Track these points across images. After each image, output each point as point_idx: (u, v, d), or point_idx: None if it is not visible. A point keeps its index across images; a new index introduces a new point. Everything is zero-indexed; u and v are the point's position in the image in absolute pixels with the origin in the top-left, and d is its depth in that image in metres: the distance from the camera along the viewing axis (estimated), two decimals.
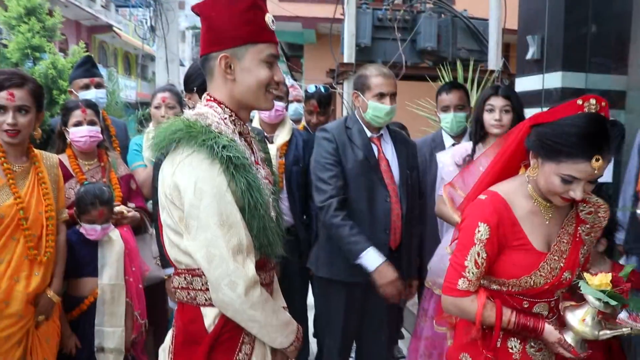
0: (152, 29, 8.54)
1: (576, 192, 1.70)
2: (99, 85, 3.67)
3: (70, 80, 3.75)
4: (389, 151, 3.02)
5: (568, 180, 1.69)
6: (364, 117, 2.98)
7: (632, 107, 3.98)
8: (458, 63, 6.12)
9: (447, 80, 5.75)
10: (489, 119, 2.98)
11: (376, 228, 2.89)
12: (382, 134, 3.03)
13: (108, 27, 22.95)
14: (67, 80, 4.54)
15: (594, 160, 1.63)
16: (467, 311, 1.85)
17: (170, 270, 2.81)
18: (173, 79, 8.67)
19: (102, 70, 4.92)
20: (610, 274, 1.75)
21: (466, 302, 1.84)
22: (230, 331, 1.65)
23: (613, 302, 1.71)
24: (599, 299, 1.72)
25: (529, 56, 4.12)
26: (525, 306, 1.87)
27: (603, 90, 3.94)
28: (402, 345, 4.52)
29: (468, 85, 5.74)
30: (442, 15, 7.78)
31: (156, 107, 3.56)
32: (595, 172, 1.65)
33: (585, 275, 1.78)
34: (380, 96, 2.89)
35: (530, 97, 4.05)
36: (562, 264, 1.83)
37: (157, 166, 2.87)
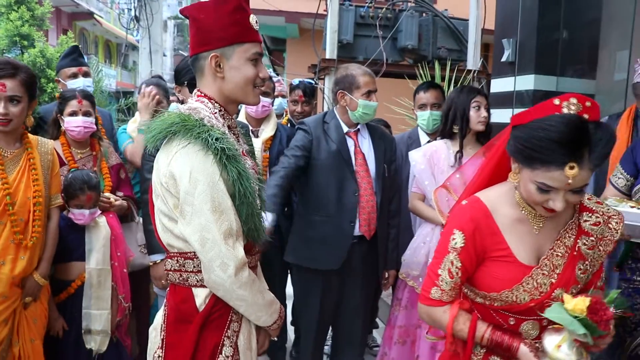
0: (137, 19, 8.55)
1: (555, 203, 1.52)
2: (86, 74, 3.75)
3: (58, 69, 3.80)
4: (365, 145, 3.16)
5: (544, 189, 1.53)
6: (352, 114, 3.12)
7: (600, 110, 4.17)
8: (436, 63, 6.27)
9: (424, 79, 5.90)
10: (476, 116, 3.14)
11: (343, 219, 3.05)
12: (359, 129, 3.17)
13: (89, 15, 22.71)
14: (55, 69, 4.60)
15: (567, 168, 1.44)
16: (438, 321, 1.74)
17: (156, 257, 2.94)
18: (156, 70, 8.70)
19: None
20: (589, 298, 1.51)
21: (438, 312, 1.73)
22: (219, 310, 1.79)
23: (580, 331, 1.50)
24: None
25: (504, 58, 4.28)
26: (512, 323, 1.69)
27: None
28: (377, 334, 4.68)
29: (445, 85, 5.90)
30: (424, 15, 7.91)
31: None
32: (569, 181, 1.46)
33: (565, 295, 1.56)
34: (369, 94, 3.06)
35: (504, 98, 4.21)
36: (553, 280, 1.63)
37: (145, 155, 3.00)
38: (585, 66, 4.28)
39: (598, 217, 1.69)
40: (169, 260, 1.85)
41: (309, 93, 4.25)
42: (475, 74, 6.85)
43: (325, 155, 3.07)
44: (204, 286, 1.77)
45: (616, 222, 1.71)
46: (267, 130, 3.59)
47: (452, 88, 5.96)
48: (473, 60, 7.32)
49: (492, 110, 3.32)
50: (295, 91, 4.28)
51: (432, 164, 3.21)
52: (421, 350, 3.16)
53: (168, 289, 1.91)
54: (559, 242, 1.66)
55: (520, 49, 4.15)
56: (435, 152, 3.22)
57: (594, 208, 1.71)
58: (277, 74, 12.12)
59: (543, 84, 4.07)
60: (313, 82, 4.45)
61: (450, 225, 1.71)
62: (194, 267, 1.78)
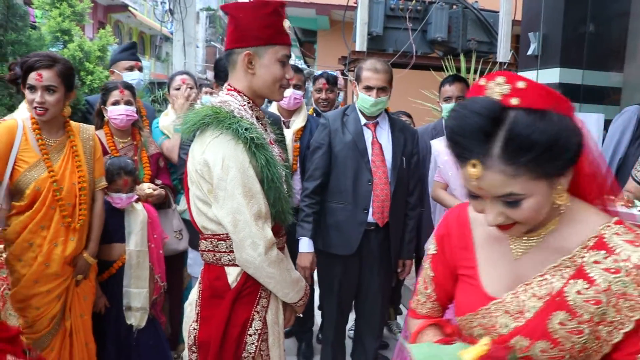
0: (171, 12, 8.76)
1: (487, 216, 1.19)
2: (140, 69, 4.01)
3: (115, 61, 4.03)
4: (384, 137, 3.27)
5: (471, 194, 1.20)
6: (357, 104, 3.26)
7: (627, 103, 4.17)
8: (461, 55, 6.31)
9: (451, 71, 5.96)
10: None
11: (357, 206, 3.18)
12: (377, 121, 3.29)
13: (124, 7, 23.13)
14: (93, 62, 4.82)
15: (469, 166, 1.13)
16: (411, 334, 1.52)
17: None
18: (190, 62, 8.92)
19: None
20: (487, 346, 1.21)
21: (412, 324, 1.55)
22: (250, 287, 1.96)
23: None
24: None
25: (530, 52, 4.32)
26: None
27: (599, 87, 4.16)
28: (401, 320, 4.80)
29: (472, 77, 5.94)
30: (453, 7, 7.92)
31: (176, 89, 3.84)
32: (473, 183, 1.15)
33: (464, 351, 1.22)
34: (368, 89, 3.16)
35: None
36: (519, 324, 1.24)
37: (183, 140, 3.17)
38: (612, 59, 4.29)
39: (619, 263, 1.14)
40: (203, 241, 2.02)
41: (332, 81, 4.41)
42: (504, 67, 6.86)
43: (341, 146, 3.20)
44: (235, 265, 1.94)
45: None
46: (298, 122, 3.76)
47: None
48: (503, 53, 7.33)
49: None
50: (318, 80, 4.44)
51: None
52: None
53: (202, 268, 2.08)
54: (543, 279, 1.23)
55: (545, 42, 4.19)
56: None
57: (615, 246, 1.15)
58: (308, 65, 12.23)
59: (569, 77, 4.11)
60: (342, 74, 4.59)
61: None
62: (227, 247, 1.94)
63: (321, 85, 4.40)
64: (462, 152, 1.13)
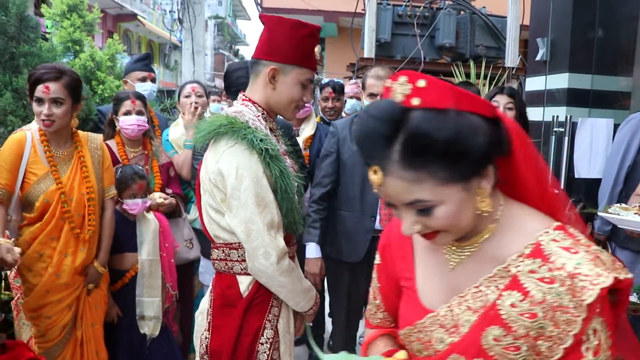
0: (180, 21, 8.84)
1: (402, 225, 1.10)
2: (153, 80, 4.01)
3: (128, 71, 4.05)
4: None
5: (387, 202, 1.11)
6: None
7: (636, 108, 4.15)
8: (471, 61, 6.31)
9: (460, 77, 5.97)
10: None
11: (365, 214, 3.19)
12: None
13: (133, 16, 23.30)
14: (104, 71, 4.86)
15: (371, 172, 1.05)
16: (362, 345, 1.46)
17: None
18: (199, 69, 8.98)
19: (125, 59, 5.25)
20: None
21: (366, 333, 1.46)
22: (261, 296, 1.97)
23: None
24: None
25: (538, 57, 4.33)
26: None
27: (608, 91, 4.15)
28: None
29: (481, 83, 5.94)
30: (461, 12, 7.94)
31: (186, 97, 3.88)
32: (376, 189, 1.08)
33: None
34: (372, 96, 3.18)
35: (539, 97, 4.26)
36: (454, 339, 1.15)
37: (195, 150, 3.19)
38: (621, 63, 4.28)
39: (553, 272, 1.02)
40: (215, 250, 2.03)
41: (338, 90, 4.41)
42: (513, 72, 6.86)
43: (349, 154, 3.22)
44: (247, 274, 1.96)
45: (582, 293, 0.99)
46: (307, 130, 3.78)
47: (488, 86, 6.03)
48: (511, 58, 7.33)
49: (528, 109, 3.39)
50: (325, 89, 4.45)
51: None
52: None
53: (214, 277, 2.10)
54: (477, 291, 1.13)
55: (553, 48, 4.19)
56: None
57: (551, 254, 1.04)
58: (316, 73, 12.23)
59: (578, 82, 4.10)
60: (350, 79, 4.61)
61: None
62: (239, 256, 1.96)
63: (327, 94, 4.41)
64: (365, 158, 1.06)
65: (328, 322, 4.29)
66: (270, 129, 2.06)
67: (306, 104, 3.70)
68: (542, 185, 1.14)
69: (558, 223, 1.10)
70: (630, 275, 1.02)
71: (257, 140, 1.87)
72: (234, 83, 2.91)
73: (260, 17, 2.13)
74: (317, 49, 2.05)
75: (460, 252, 1.17)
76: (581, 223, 1.21)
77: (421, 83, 1.01)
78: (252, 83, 2.07)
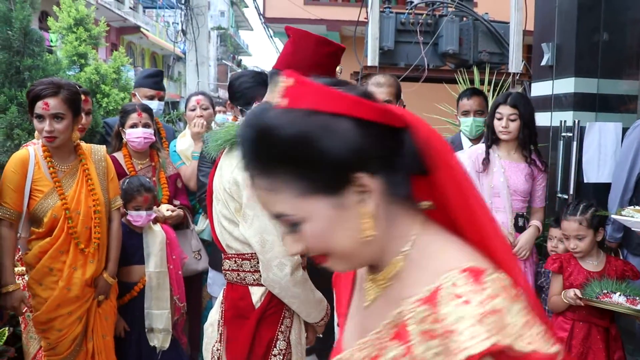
0: (184, 32, 8.87)
1: (283, 241, 0.99)
2: (161, 98, 3.99)
3: (138, 85, 4.03)
4: None
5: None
6: None
7: None
8: (475, 68, 6.31)
9: (464, 84, 5.95)
10: (497, 125, 3.24)
11: None
12: None
13: (136, 28, 23.43)
14: (109, 84, 4.88)
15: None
16: None
17: None
18: (203, 80, 9.00)
19: (131, 71, 5.26)
20: None
21: None
22: (274, 307, 1.96)
23: None
24: None
25: (543, 62, 4.32)
26: None
27: (615, 95, 4.14)
28: None
29: (485, 89, 5.93)
30: (464, 19, 7.95)
31: (191, 110, 3.88)
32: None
33: None
34: None
35: (545, 102, 4.25)
36: None
37: (201, 160, 3.18)
38: (627, 67, 4.26)
39: (434, 324, 0.83)
40: (227, 260, 2.02)
41: None
42: (517, 77, 6.85)
43: None
44: (260, 285, 1.94)
45: (455, 355, 0.78)
46: None
47: (492, 92, 6.02)
48: (515, 63, 7.32)
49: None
50: None
51: (477, 166, 3.30)
52: None
53: (225, 288, 2.08)
54: (377, 337, 0.93)
55: (559, 52, 4.18)
56: (481, 155, 3.31)
57: (441, 302, 0.84)
58: None
59: (583, 87, 4.09)
60: None
61: None
62: (251, 267, 1.95)
63: None
64: (244, 167, 0.95)
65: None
66: None
67: None
68: (470, 211, 0.93)
69: (473, 264, 0.87)
70: (550, 351, 0.80)
71: None
72: (238, 88, 2.92)
73: (286, 29, 2.11)
74: (338, 68, 2.04)
75: (376, 287, 0.98)
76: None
77: (289, 82, 0.91)
78: (270, 92, 2.06)
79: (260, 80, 2.64)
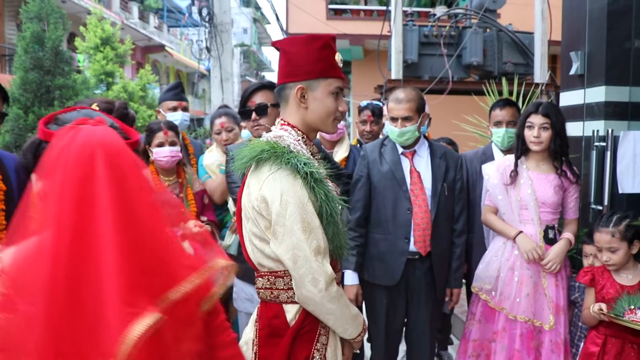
0: (208, 49, 8.96)
1: None
2: (185, 109, 4.03)
3: (161, 101, 4.10)
4: (422, 165, 3.25)
5: None
6: None
7: None
8: (503, 78, 6.25)
9: (493, 94, 5.89)
10: (528, 135, 3.18)
11: (398, 236, 3.15)
12: (415, 150, 3.27)
13: (161, 47, 23.80)
14: (136, 101, 4.94)
15: None
16: None
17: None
18: (227, 97, 9.07)
19: (156, 89, 5.32)
20: None
21: None
22: (309, 324, 1.92)
23: None
24: None
25: (572, 71, 4.25)
26: None
27: None
28: (452, 350, 4.68)
29: (514, 99, 5.86)
30: (487, 30, 7.91)
31: (217, 133, 3.90)
32: None
33: None
34: (393, 120, 3.18)
35: (574, 111, 4.18)
36: None
37: (227, 176, 3.19)
38: None
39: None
40: (260, 279, 1.99)
41: (377, 113, 4.34)
42: (543, 87, 6.78)
43: (379, 177, 3.21)
44: (294, 302, 1.91)
45: None
46: (341, 152, 3.75)
47: (520, 102, 5.95)
48: (540, 74, 7.25)
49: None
50: (364, 112, 4.38)
51: (505, 178, 3.25)
52: None
53: (258, 305, 2.06)
54: None
55: (589, 61, 4.11)
56: (509, 167, 3.26)
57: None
58: (343, 96, 12.28)
59: (615, 95, 4.01)
60: (380, 102, 4.54)
61: None
62: (284, 284, 1.92)
63: (366, 117, 4.33)
64: None
65: (367, 348, 4.20)
66: (312, 153, 2.03)
67: (339, 127, 3.69)
68: None
69: None
70: None
71: (300, 164, 1.84)
72: (245, 93, 2.95)
73: (272, 44, 2.12)
74: (337, 56, 2.02)
75: None
76: None
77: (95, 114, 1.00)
78: (285, 108, 2.05)
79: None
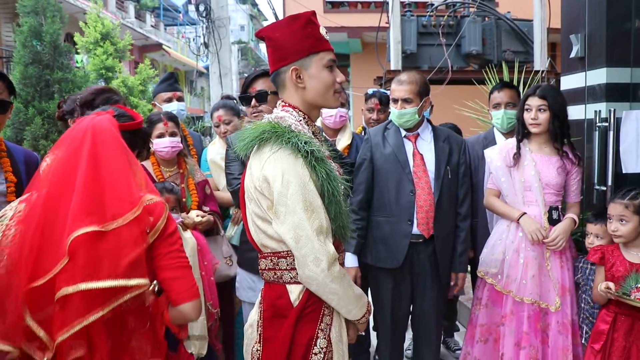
0: (206, 45, 8.93)
1: None
2: (180, 99, 4.04)
3: (155, 93, 4.12)
4: (425, 147, 3.25)
5: None
6: None
7: None
8: (504, 65, 6.23)
9: (493, 82, 5.86)
10: (527, 117, 3.19)
11: (401, 218, 3.15)
12: (418, 132, 3.26)
13: (158, 46, 23.76)
14: (136, 96, 4.93)
15: None
16: None
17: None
18: (226, 92, 9.04)
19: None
20: None
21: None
22: (313, 305, 1.90)
23: None
24: None
25: (572, 54, 4.22)
26: None
27: None
28: (458, 337, 4.67)
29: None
30: (486, 19, 7.88)
31: (216, 126, 3.90)
32: None
33: None
34: (394, 101, 3.19)
35: (576, 94, 4.16)
36: None
37: (225, 167, 3.18)
38: None
39: None
40: (263, 260, 1.98)
41: (385, 101, 4.31)
42: (543, 74, 6.75)
43: (382, 159, 3.22)
44: (297, 282, 1.89)
45: None
46: (344, 140, 3.74)
47: (521, 89, 5.91)
48: (540, 61, 7.22)
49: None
50: (371, 99, 4.36)
51: (508, 160, 3.24)
52: (505, 348, 3.17)
53: (263, 288, 2.05)
54: None
55: (589, 43, 4.08)
56: (512, 149, 3.25)
57: None
58: (343, 89, 12.27)
59: (616, 77, 3.98)
60: (388, 91, 4.53)
61: None
62: (287, 265, 1.90)
63: (373, 105, 4.30)
64: None
65: (373, 336, 4.20)
66: (313, 133, 2.02)
67: (341, 113, 3.66)
68: None
69: None
70: None
71: (301, 143, 1.83)
72: (247, 79, 2.93)
73: (256, 35, 2.14)
74: (321, 29, 2.01)
75: None
76: None
77: None
78: (283, 93, 2.04)
79: None
